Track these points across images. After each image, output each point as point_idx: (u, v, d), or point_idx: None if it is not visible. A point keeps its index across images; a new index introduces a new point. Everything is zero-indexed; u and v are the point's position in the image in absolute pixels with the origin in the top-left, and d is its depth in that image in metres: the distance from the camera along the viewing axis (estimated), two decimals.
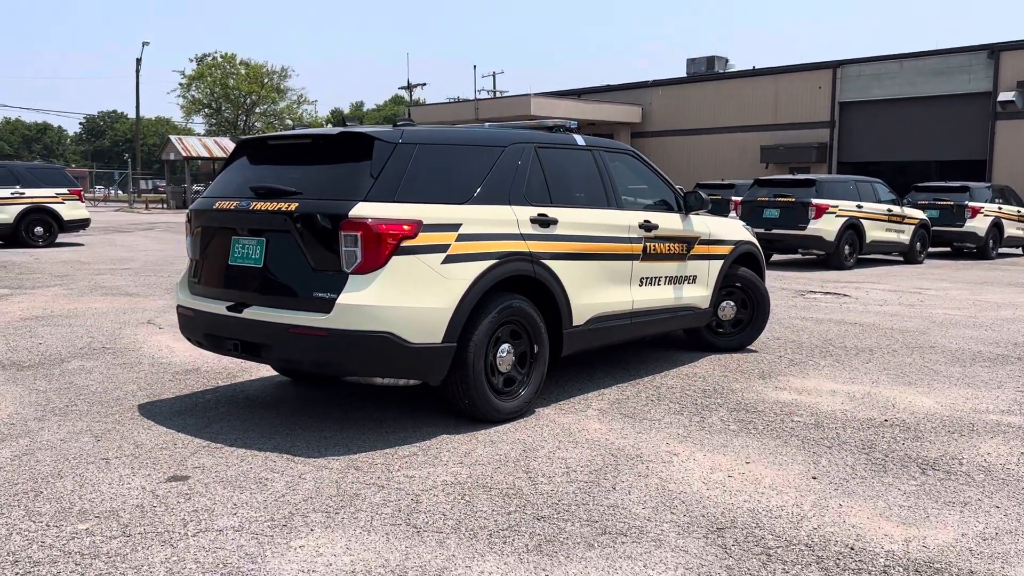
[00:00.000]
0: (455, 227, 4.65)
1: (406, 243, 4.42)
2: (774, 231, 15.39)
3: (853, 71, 35.05)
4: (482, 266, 4.71)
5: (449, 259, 4.58)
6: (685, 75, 43.05)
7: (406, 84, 53.23)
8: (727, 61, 43.35)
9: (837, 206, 15.24)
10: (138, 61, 49.02)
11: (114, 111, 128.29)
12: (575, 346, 5.50)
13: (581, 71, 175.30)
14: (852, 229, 15.53)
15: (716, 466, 4.30)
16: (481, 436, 4.72)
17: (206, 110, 53.29)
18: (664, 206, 6.48)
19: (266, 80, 52.23)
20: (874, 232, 16.01)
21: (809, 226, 15.02)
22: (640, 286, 6.01)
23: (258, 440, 4.62)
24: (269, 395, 5.68)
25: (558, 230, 5.28)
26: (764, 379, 6.27)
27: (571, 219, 5.39)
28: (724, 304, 7.19)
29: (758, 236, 15.89)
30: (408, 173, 4.57)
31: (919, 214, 17.35)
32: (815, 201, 15.05)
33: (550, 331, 5.30)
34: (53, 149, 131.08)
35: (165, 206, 42.01)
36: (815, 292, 12.01)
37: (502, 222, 4.92)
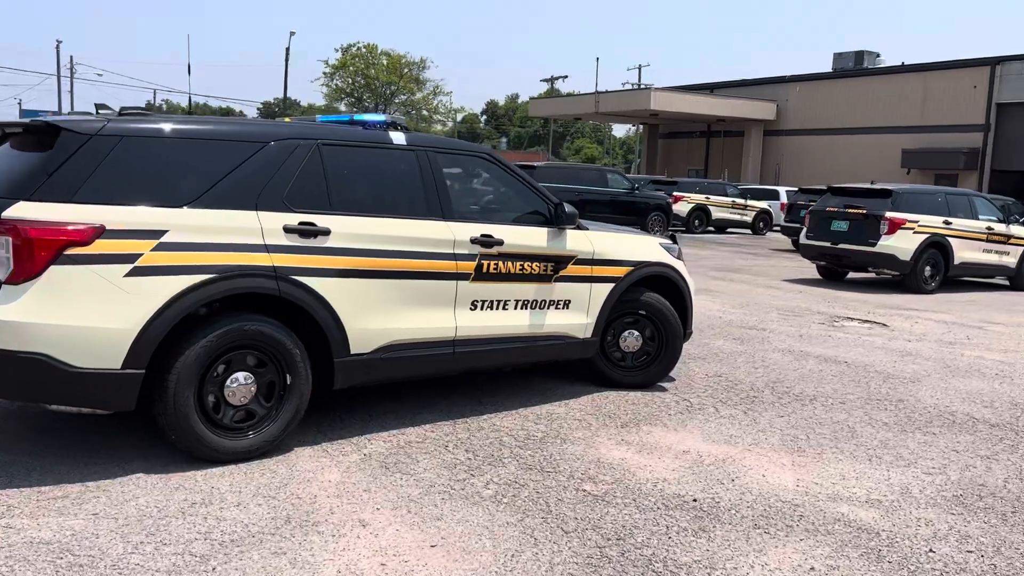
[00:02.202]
0: (156, 234, 4.03)
1: (73, 251, 3.84)
2: (841, 246, 13.75)
3: (1015, 68, 31.40)
4: (189, 281, 4.07)
5: (138, 271, 3.97)
6: (830, 70, 40.18)
7: (548, 77, 52.81)
8: (877, 56, 40.11)
9: (916, 221, 13.37)
10: (287, 50, 51.27)
11: (287, 98, 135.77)
12: (359, 378, 4.76)
13: (727, 66, 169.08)
14: (935, 248, 13.60)
15: (389, 547, 3.48)
16: (176, 479, 4.09)
17: (349, 99, 55.02)
18: (527, 219, 5.59)
19: (405, 71, 53.26)
20: (966, 253, 13.97)
21: (880, 243, 13.26)
22: (471, 310, 5.17)
23: None
24: None
25: (330, 242, 4.55)
26: (623, 428, 5.27)
27: (353, 230, 4.64)
28: (626, 334, 6.18)
29: (824, 251, 14.54)
30: (101, 169, 3.99)
31: None
32: (889, 215, 13.26)
33: (320, 360, 4.59)
34: None
35: None
36: (853, 319, 10.51)
37: (235, 230, 4.26)
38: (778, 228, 26.36)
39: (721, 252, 20.14)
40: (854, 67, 38.41)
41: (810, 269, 15.68)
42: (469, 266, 5.10)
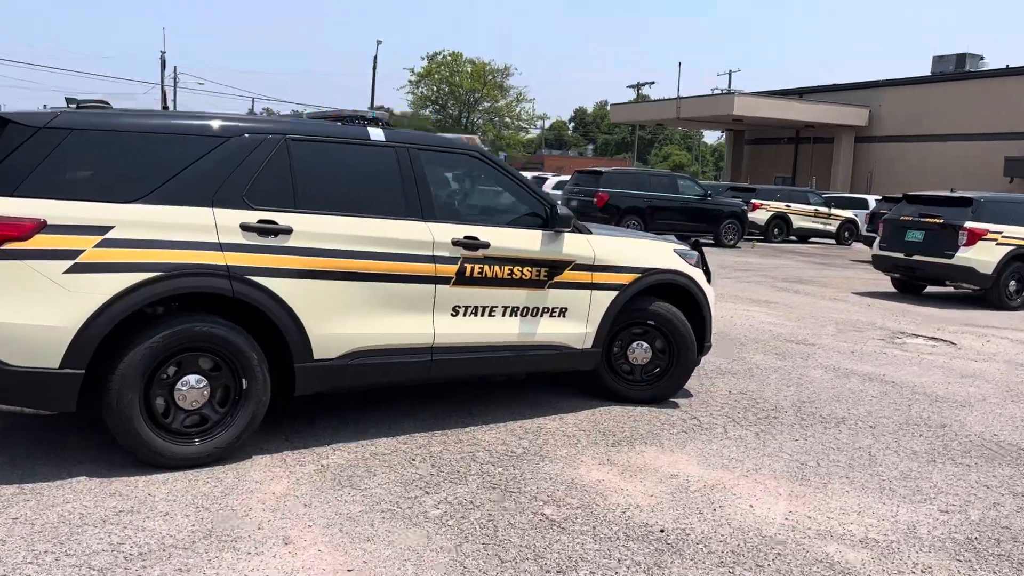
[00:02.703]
0: (100, 230, 3.90)
1: (11, 246, 3.74)
2: (915, 257, 12.87)
3: None
4: (133, 279, 3.93)
5: (79, 268, 3.84)
6: (928, 74, 38.34)
7: (635, 83, 52.11)
8: (981, 59, 38.03)
9: (1000, 232, 12.39)
10: (375, 59, 52.17)
11: (381, 106, 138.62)
12: (324, 384, 4.54)
13: (818, 70, 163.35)
14: (1022, 261, 12.58)
15: (303, 568, 3.25)
16: (116, 485, 3.94)
17: (434, 106, 55.55)
18: (521, 221, 5.28)
19: (489, 78, 53.39)
20: None
21: (957, 255, 12.33)
22: (453, 316, 4.88)
23: None
24: None
25: (292, 241, 4.34)
26: (614, 446, 4.90)
27: (318, 229, 4.42)
28: (634, 346, 5.78)
29: (897, 262, 13.58)
30: (47, 163, 3.89)
31: None
32: (968, 225, 12.33)
33: (282, 365, 4.39)
34: None
35: None
36: (917, 335, 9.76)
37: (187, 227, 4.09)
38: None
39: (795, 262, 19.28)
40: (955, 70, 36.51)
41: (886, 282, 14.78)
42: (450, 269, 4.82)
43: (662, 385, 5.84)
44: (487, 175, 5.31)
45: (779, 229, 26.11)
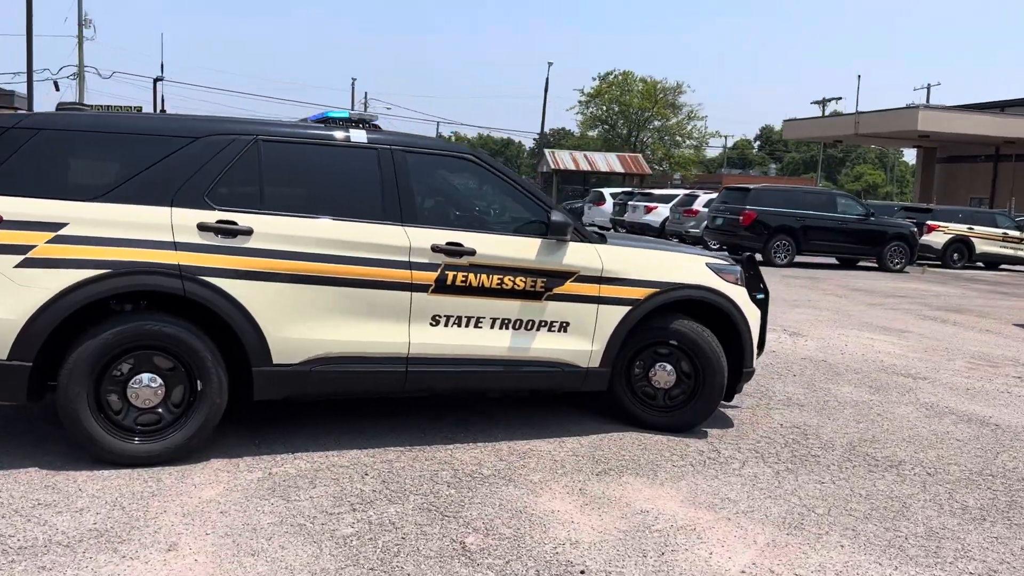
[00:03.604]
0: (55, 227, 4.00)
1: None
2: None
3: None
4: (81, 275, 3.99)
5: (30, 263, 3.95)
6: None
7: (820, 99, 49.62)
8: None
9: None
10: (546, 81, 52.77)
11: (562, 128, 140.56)
12: (284, 390, 4.44)
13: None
14: None
15: None
16: (57, 478, 4.00)
17: (604, 126, 55.34)
18: (519, 228, 4.97)
19: (660, 96, 52.52)
20: None
21: None
22: (432, 326, 4.64)
23: None
24: None
25: (251, 242, 4.28)
26: (600, 475, 4.48)
27: (280, 231, 4.34)
28: (657, 367, 5.28)
29: None
30: (12, 161, 4.04)
31: None
32: None
33: (241, 368, 4.34)
34: (512, 161, 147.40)
35: None
36: None
37: (141, 226, 4.12)
38: None
39: (964, 290, 17.38)
40: None
41: None
42: (428, 276, 4.59)
43: (687, 411, 5.29)
44: (485, 180, 5.04)
45: (959, 254, 23.69)
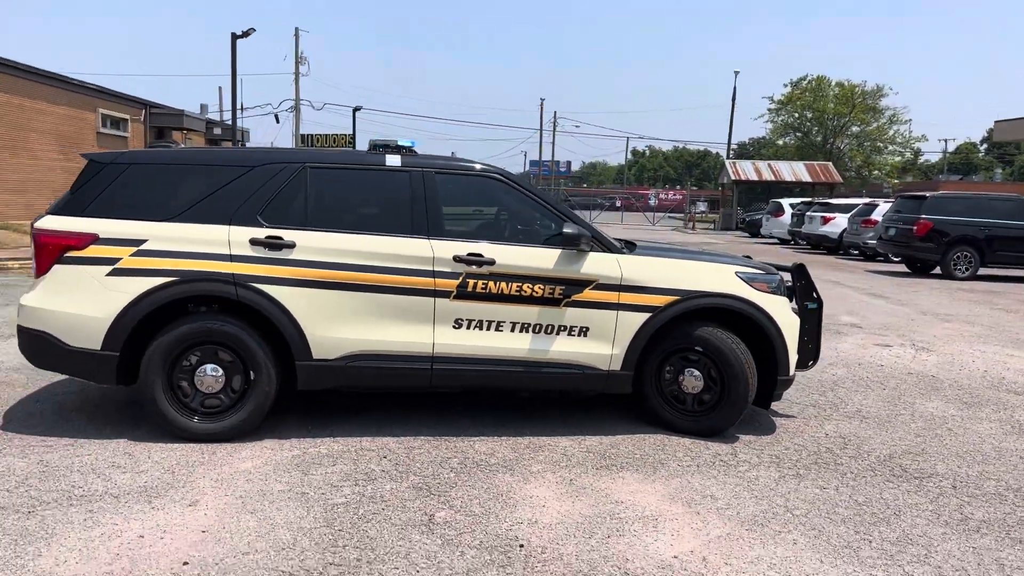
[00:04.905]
0: (136, 242, 4.91)
1: (72, 254, 4.89)
2: None
3: None
4: (155, 282, 4.87)
5: (117, 272, 4.88)
6: None
7: None
8: None
9: None
10: (734, 90, 51.70)
11: (761, 138, 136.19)
12: (325, 382, 5.11)
13: None
14: None
15: (174, 523, 3.83)
16: (136, 448, 4.89)
17: (796, 133, 53.17)
18: (539, 239, 5.38)
19: (858, 100, 49.75)
20: None
21: None
22: (455, 328, 5.17)
23: None
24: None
25: (294, 254, 5.01)
26: (600, 469, 4.80)
27: (319, 244, 5.04)
28: (685, 373, 5.50)
29: None
30: (109, 190, 5.00)
31: None
32: None
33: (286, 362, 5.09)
34: (709, 173, 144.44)
35: (713, 227, 43.68)
36: None
37: (204, 241, 4.96)
38: None
39: None
40: None
41: None
42: (450, 284, 5.12)
43: (714, 416, 5.45)
44: (511, 196, 5.49)
45: None
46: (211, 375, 4.99)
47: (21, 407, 5.66)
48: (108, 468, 4.53)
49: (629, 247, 5.64)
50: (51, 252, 4.91)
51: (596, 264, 5.29)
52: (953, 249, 18.25)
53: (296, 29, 51.67)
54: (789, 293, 5.87)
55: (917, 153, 65.80)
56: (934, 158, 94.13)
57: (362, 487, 4.37)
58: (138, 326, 4.92)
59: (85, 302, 4.89)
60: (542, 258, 5.24)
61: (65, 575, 3.32)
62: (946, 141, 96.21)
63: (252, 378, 5.00)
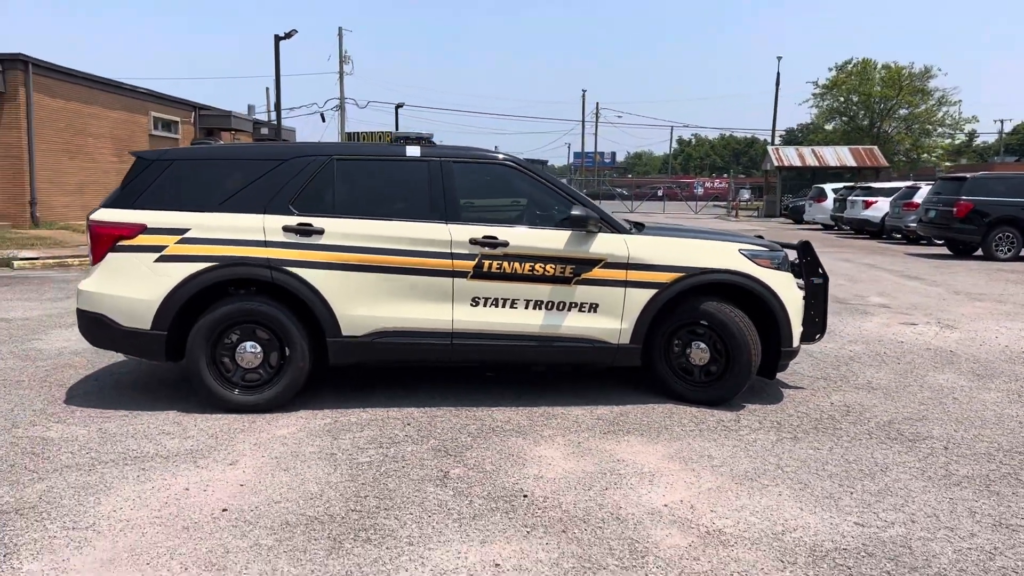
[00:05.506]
0: (181, 231, 5.40)
1: (124, 243, 5.40)
2: None
3: None
4: (197, 267, 5.35)
5: (164, 259, 5.37)
6: None
7: None
8: None
9: None
10: (777, 76, 51.21)
11: (809, 124, 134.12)
12: (354, 356, 5.54)
13: None
14: None
15: (215, 479, 4.29)
16: (185, 418, 5.38)
17: (841, 118, 52.49)
18: (550, 222, 5.73)
19: (904, 82, 48.91)
20: None
21: None
22: (472, 306, 5.56)
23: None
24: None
25: (323, 240, 5.45)
26: (607, 433, 5.14)
27: (345, 230, 5.46)
28: (692, 346, 5.82)
29: None
30: (156, 184, 5.50)
31: None
32: None
33: (318, 339, 5.53)
34: (756, 161, 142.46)
35: (757, 214, 43.38)
36: None
37: (241, 229, 5.42)
38: None
39: None
40: None
41: None
42: (467, 265, 5.51)
43: (719, 386, 5.77)
44: (523, 181, 5.85)
45: None
46: (250, 351, 5.45)
47: (83, 384, 6.20)
48: (159, 434, 5.01)
49: (638, 228, 5.97)
50: (105, 241, 5.42)
51: (604, 244, 5.63)
52: (994, 230, 18.12)
53: (340, 29, 52.52)
54: (795, 269, 6.14)
55: (972, 135, 64.36)
56: (991, 139, 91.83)
57: (386, 449, 4.79)
58: (184, 307, 5.40)
59: (136, 286, 5.39)
60: (553, 239, 5.60)
61: (121, 518, 3.79)
62: (1002, 122, 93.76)
63: (287, 354, 5.45)
